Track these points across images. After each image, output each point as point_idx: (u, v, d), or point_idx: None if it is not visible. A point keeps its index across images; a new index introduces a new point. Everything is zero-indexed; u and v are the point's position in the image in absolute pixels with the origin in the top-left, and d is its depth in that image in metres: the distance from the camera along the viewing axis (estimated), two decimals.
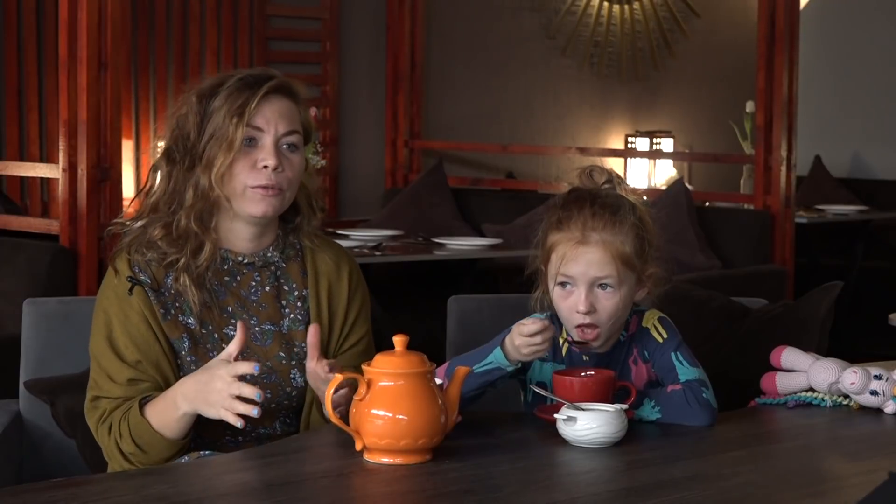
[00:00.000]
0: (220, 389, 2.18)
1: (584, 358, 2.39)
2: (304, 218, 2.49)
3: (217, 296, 2.40)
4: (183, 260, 2.36)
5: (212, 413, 2.20)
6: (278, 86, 2.39)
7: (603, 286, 2.32)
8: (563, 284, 2.33)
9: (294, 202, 2.45)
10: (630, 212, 2.35)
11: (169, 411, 2.27)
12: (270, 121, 2.37)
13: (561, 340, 2.42)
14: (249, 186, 2.36)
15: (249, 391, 2.15)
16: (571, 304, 2.33)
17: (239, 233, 2.43)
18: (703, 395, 2.30)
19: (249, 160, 2.36)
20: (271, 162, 2.35)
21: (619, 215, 2.33)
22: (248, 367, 2.16)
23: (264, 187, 2.36)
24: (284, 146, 2.39)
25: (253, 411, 2.15)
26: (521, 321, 2.29)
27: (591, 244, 2.31)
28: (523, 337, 2.26)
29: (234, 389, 2.16)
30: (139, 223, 2.40)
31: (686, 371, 2.34)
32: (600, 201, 2.34)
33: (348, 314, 2.49)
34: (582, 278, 2.31)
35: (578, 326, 2.33)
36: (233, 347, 2.22)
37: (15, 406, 2.86)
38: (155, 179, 2.42)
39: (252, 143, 2.37)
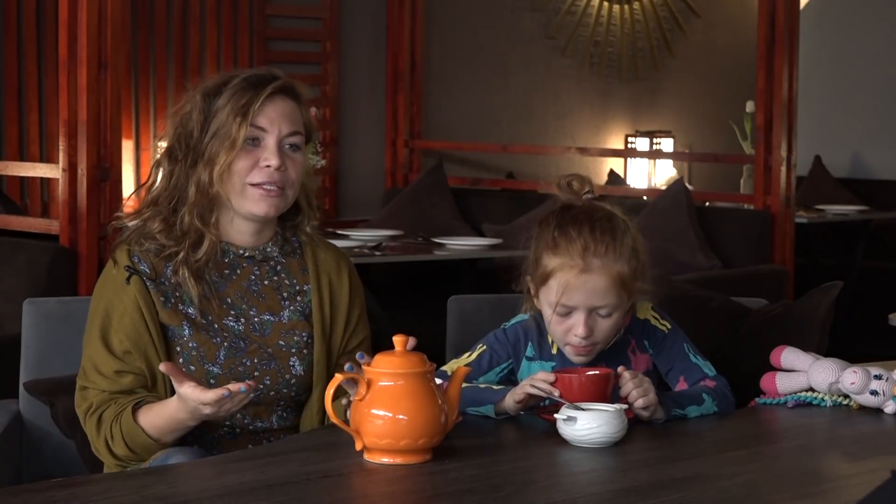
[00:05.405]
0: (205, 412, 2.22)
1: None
2: (304, 217, 2.52)
3: (217, 287, 2.42)
4: (182, 253, 2.39)
5: (212, 412, 2.21)
6: (282, 87, 2.42)
7: (601, 311, 2.31)
8: (561, 313, 2.32)
9: (295, 202, 2.47)
10: (626, 232, 2.32)
11: (173, 426, 2.28)
12: (274, 121, 2.40)
13: (551, 340, 2.43)
14: (250, 184, 2.39)
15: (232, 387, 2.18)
16: (568, 328, 2.33)
17: (239, 227, 2.45)
18: (728, 387, 2.41)
19: (251, 159, 2.39)
20: (274, 162, 2.38)
21: (617, 238, 2.29)
22: (214, 395, 2.17)
23: (265, 187, 2.38)
24: (287, 146, 2.42)
25: (241, 388, 2.16)
26: (537, 375, 2.25)
27: (594, 272, 2.28)
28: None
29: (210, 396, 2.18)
30: (138, 220, 2.42)
31: (707, 366, 2.42)
32: (599, 225, 2.30)
33: (350, 314, 2.51)
34: (582, 306, 2.30)
35: (573, 346, 2.34)
36: (209, 396, 2.19)
37: (15, 406, 2.86)
38: (157, 175, 2.44)
39: (255, 143, 2.39)
